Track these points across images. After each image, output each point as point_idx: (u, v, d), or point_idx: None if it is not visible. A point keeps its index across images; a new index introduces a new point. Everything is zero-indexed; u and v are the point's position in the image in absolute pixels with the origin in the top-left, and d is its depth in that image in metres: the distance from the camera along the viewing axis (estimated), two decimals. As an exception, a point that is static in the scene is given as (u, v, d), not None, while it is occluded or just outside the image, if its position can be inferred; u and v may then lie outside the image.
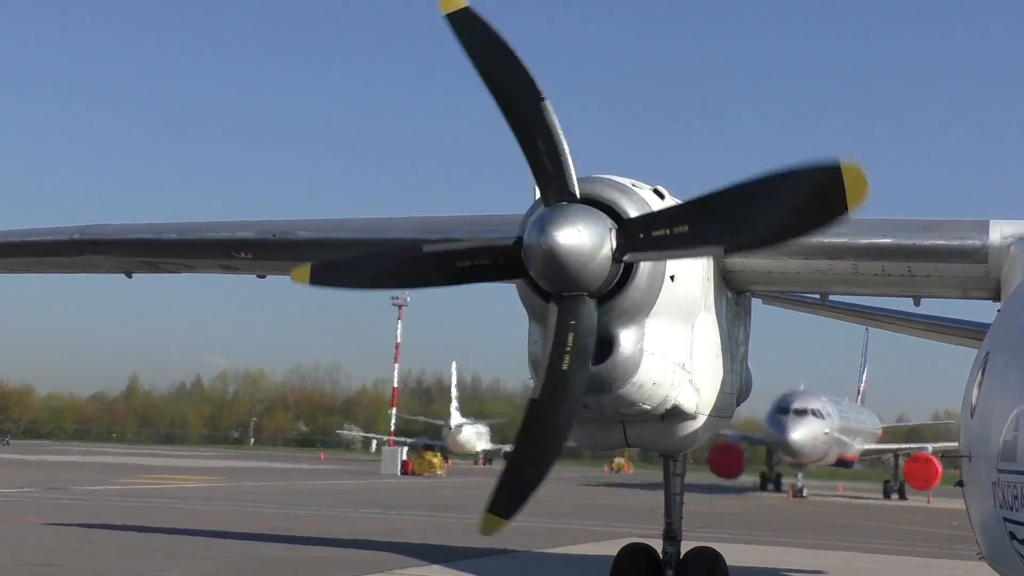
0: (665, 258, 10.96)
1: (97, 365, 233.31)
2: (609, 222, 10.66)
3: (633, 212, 11.03)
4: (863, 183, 9.47)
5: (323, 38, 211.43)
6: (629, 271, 11.01)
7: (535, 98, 10.41)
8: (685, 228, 10.33)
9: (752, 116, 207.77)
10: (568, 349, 10.54)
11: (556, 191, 10.59)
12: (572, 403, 10.78)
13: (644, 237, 10.56)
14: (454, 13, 10.36)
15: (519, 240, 10.68)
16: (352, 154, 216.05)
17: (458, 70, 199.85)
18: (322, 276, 11.40)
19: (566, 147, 10.52)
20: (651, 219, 10.69)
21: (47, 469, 64.22)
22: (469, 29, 10.39)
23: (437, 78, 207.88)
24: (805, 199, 9.74)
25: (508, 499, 11.04)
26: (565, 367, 10.54)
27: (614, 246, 10.56)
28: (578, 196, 10.64)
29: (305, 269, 11.32)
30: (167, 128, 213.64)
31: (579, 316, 10.60)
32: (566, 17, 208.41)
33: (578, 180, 10.76)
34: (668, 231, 10.44)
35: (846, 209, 9.48)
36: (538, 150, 10.53)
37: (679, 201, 12.24)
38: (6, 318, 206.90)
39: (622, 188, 11.20)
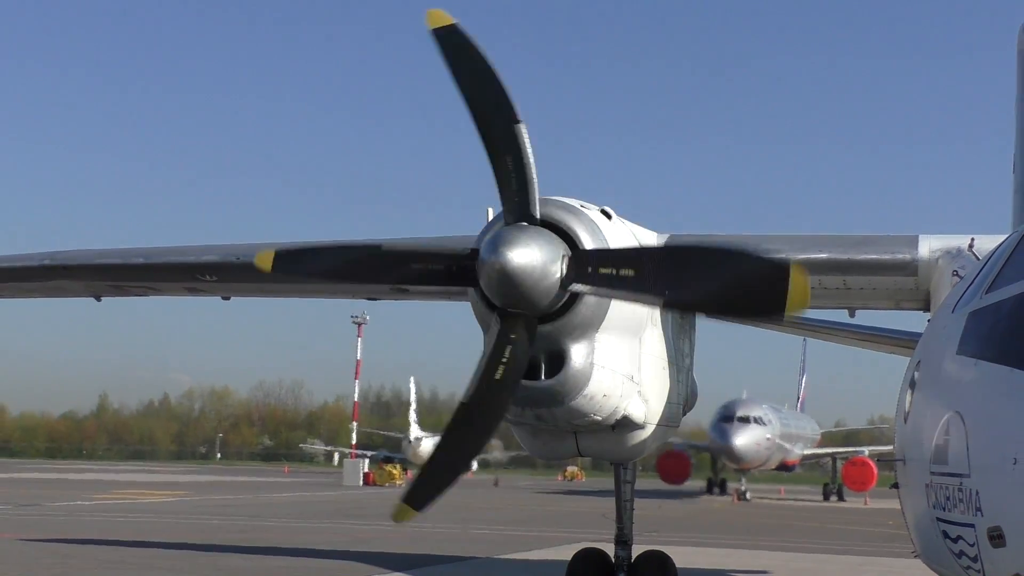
0: (607, 296, 10.91)
1: (68, 385, 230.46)
2: (563, 248, 10.66)
3: (586, 239, 11.06)
4: (806, 291, 9.61)
5: (280, 68, 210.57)
6: (575, 297, 11.05)
7: (511, 120, 10.37)
8: (631, 272, 10.39)
9: (696, 134, 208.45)
10: (504, 361, 10.54)
11: (518, 210, 10.58)
12: (498, 411, 10.81)
13: (592, 271, 10.58)
14: (440, 29, 10.28)
15: (475, 251, 10.67)
16: (311, 181, 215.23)
17: (414, 100, 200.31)
18: (284, 264, 11.25)
19: (534, 171, 10.49)
20: (602, 255, 10.71)
21: (19, 486, 63.47)
22: (454, 46, 10.32)
23: (394, 108, 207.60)
24: (749, 286, 9.84)
25: (424, 492, 11.06)
26: (498, 377, 10.55)
27: (563, 273, 10.54)
28: (538, 218, 10.66)
29: (269, 255, 11.16)
30: (127, 156, 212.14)
31: (519, 332, 10.62)
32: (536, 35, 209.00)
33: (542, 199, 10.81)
34: (615, 271, 10.48)
35: (783, 310, 9.57)
36: (506, 168, 10.49)
37: (625, 222, 12.32)
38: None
39: (576, 212, 11.17)
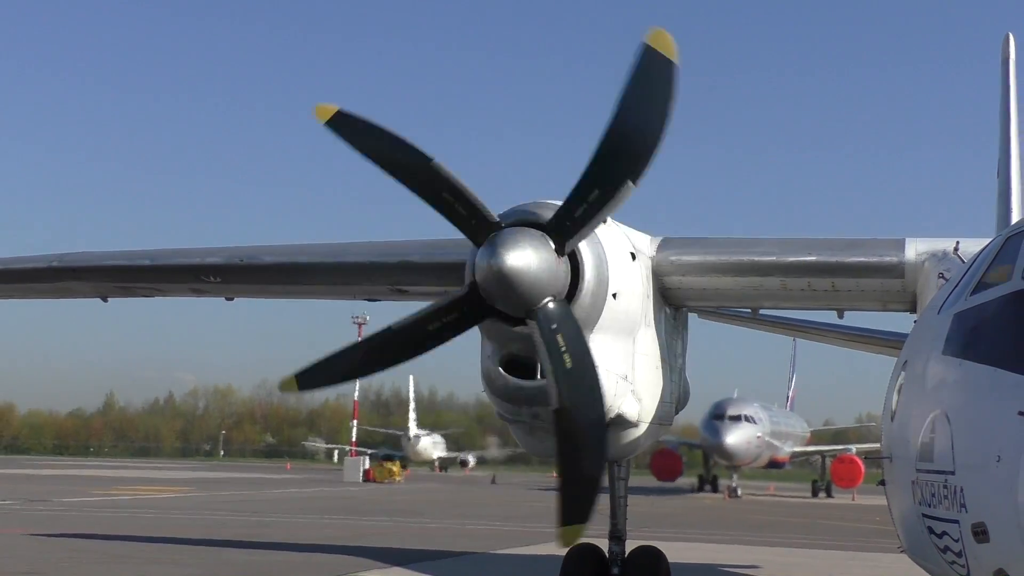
0: (596, 224, 10.86)
1: (75, 383, 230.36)
2: (539, 232, 10.72)
3: (582, 242, 11.13)
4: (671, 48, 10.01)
5: (282, 73, 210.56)
6: (578, 274, 11.06)
7: (424, 161, 10.52)
8: (596, 193, 10.41)
9: (690, 140, 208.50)
10: (564, 349, 10.54)
11: (483, 228, 10.68)
12: (591, 392, 10.72)
13: (571, 224, 10.63)
14: (331, 121, 10.59)
15: (472, 284, 10.75)
16: (311, 184, 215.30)
17: (415, 103, 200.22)
18: (308, 381, 11.49)
19: (471, 190, 10.63)
20: (567, 207, 10.70)
21: (28, 482, 63.44)
22: (347, 128, 10.62)
23: (393, 106, 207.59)
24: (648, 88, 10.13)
25: (577, 505, 10.90)
26: (569, 365, 10.54)
27: (553, 246, 10.65)
28: (503, 225, 10.74)
29: (292, 380, 11.39)
30: (132, 161, 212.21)
31: (557, 318, 10.64)
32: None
33: (504, 212, 10.96)
34: (585, 206, 10.51)
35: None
36: (448, 202, 10.64)
37: (619, 225, 12.35)
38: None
39: (544, 204, 11.17)
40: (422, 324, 11.03)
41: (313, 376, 11.50)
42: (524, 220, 10.92)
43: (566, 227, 10.66)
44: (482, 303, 10.78)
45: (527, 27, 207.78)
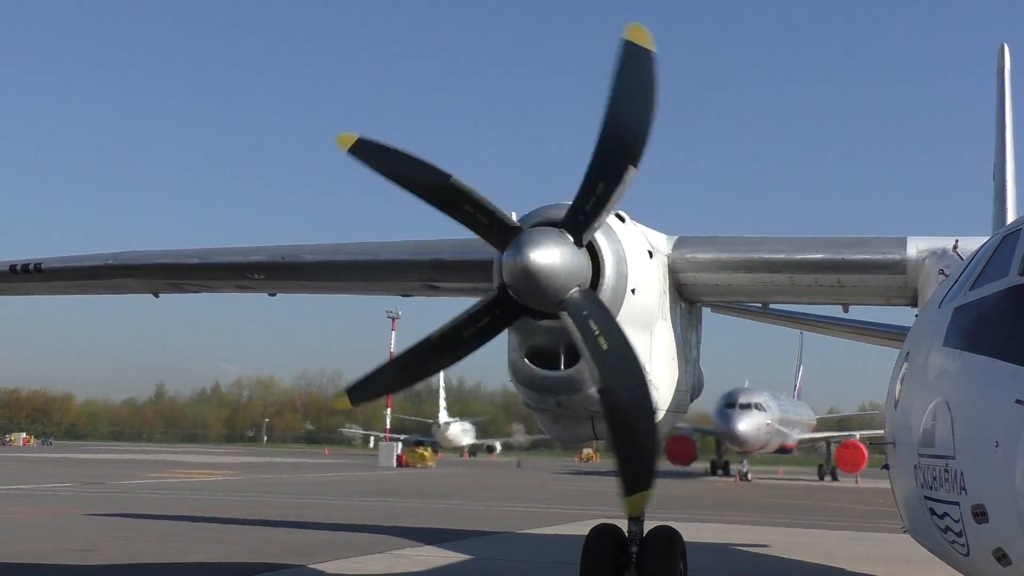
0: (609, 211, 10.78)
1: (128, 374, 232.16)
2: (557, 228, 10.71)
3: (602, 241, 11.16)
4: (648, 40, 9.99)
5: (317, 85, 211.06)
6: (598, 264, 11.06)
7: (444, 179, 10.51)
8: (603, 184, 10.39)
9: (703, 143, 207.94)
10: (598, 333, 10.50)
11: (505, 234, 10.68)
12: (630, 366, 10.59)
13: (584, 217, 10.61)
14: (353, 148, 10.61)
15: (501, 286, 10.76)
16: (348, 185, 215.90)
17: (447, 94, 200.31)
18: (358, 395, 11.57)
19: (489, 200, 10.61)
20: (578, 203, 10.66)
21: (85, 466, 63.84)
22: (368, 154, 10.64)
23: (423, 107, 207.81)
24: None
25: (638, 474, 10.77)
26: (606, 347, 10.49)
27: (571, 240, 10.64)
28: (523, 227, 10.74)
29: (343, 396, 11.53)
30: (185, 165, 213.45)
31: (586, 305, 10.62)
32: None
33: (522, 217, 10.97)
34: (594, 198, 10.49)
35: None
36: (469, 214, 10.64)
37: (637, 224, 12.32)
38: (49, 333, 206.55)
39: (558, 205, 11.10)
40: (459, 331, 11.03)
41: (362, 390, 11.57)
42: (542, 220, 10.94)
43: (580, 220, 10.65)
44: (513, 303, 10.79)
45: (517, 36, 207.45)
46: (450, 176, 10.53)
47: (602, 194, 10.44)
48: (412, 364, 11.39)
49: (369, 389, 11.65)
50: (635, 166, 10.29)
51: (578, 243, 10.73)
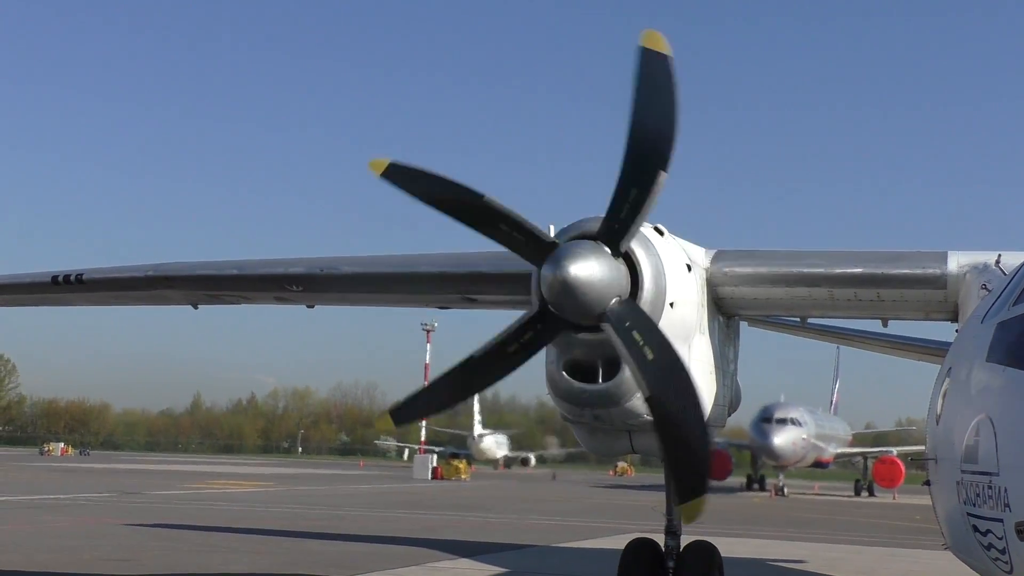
0: (644, 218, 10.72)
1: (165, 384, 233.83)
2: (593, 241, 10.71)
3: (641, 254, 11.14)
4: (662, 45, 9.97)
5: (345, 103, 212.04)
6: (636, 275, 11.04)
7: (477, 199, 10.57)
8: (635, 192, 10.38)
9: (743, 158, 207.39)
10: (641, 343, 10.45)
11: (542, 249, 10.69)
12: (676, 373, 10.51)
13: (619, 227, 10.60)
14: (387, 172, 10.69)
15: (541, 301, 10.76)
16: (386, 198, 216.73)
17: (473, 124, 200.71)
18: (401, 416, 11.58)
19: (522, 216, 10.67)
20: (612, 212, 10.64)
21: (123, 476, 64.22)
22: (401, 177, 10.72)
23: (457, 124, 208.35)
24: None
25: (690, 483, 10.63)
26: (651, 356, 10.44)
27: (608, 251, 10.64)
28: (558, 243, 10.73)
29: (387, 417, 11.51)
30: (223, 181, 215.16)
31: (628, 315, 10.58)
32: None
33: (557, 232, 11.00)
34: (627, 206, 10.47)
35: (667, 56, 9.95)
36: (505, 232, 10.69)
37: (675, 238, 12.29)
38: (88, 343, 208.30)
39: (592, 219, 11.07)
40: (501, 348, 11.02)
41: (405, 411, 11.59)
42: (578, 233, 10.93)
43: (615, 230, 10.65)
44: (553, 317, 10.77)
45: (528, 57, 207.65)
46: (483, 196, 10.56)
47: (635, 201, 10.43)
48: (456, 384, 11.40)
49: (413, 410, 11.73)
50: (665, 170, 10.28)
51: (615, 254, 10.72)
